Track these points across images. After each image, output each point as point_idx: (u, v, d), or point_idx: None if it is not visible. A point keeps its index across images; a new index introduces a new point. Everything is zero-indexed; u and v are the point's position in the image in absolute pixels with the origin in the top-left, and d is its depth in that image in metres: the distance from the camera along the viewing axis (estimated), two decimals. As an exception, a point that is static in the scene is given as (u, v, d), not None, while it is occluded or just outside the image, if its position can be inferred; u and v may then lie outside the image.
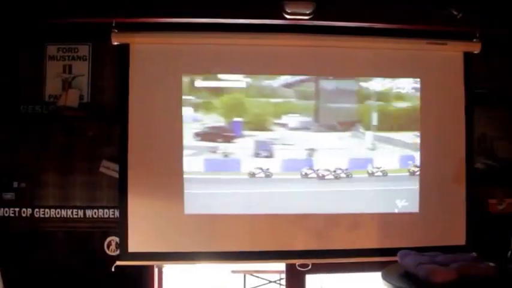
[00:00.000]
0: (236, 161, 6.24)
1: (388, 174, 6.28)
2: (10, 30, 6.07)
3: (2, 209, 6.11)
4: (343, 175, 6.22)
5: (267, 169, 6.18)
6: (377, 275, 4.43)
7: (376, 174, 6.25)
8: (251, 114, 6.29)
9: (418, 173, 6.25)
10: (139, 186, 5.97)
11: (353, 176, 6.24)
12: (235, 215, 6.11)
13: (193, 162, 6.16)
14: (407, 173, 6.29)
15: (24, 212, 6.11)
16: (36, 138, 6.12)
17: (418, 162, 6.26)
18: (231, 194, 6.16)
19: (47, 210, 6.14)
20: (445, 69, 6.31)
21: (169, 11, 5.73)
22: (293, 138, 6.30)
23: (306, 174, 6.20)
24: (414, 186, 6.24)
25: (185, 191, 6.06)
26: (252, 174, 6.15)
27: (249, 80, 6.25)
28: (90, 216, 6.17)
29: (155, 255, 6.03)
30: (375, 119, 6.31)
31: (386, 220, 6.19)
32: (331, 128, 6.32)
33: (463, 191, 6.22)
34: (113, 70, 6.20)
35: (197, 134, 6.17)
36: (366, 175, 6.27)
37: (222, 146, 6.21)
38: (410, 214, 6.21)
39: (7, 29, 6.04)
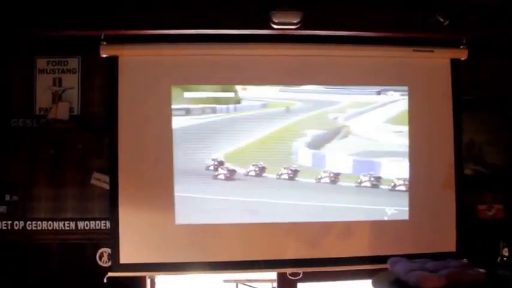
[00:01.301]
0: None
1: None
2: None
3: (-6, 221, 6.13)
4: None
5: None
6: (368, 283, 4.46)
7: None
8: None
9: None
10: (130, 198, 5.97)
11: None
12: (226, 224, 6.11)
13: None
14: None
15: (16, 225, 6.12)
16: (27, 151, 6.13)
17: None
18: (222, 202, 6.18)
19: (39, 222, 6.15)
20: (432, 76, 6.32)
21: (157, 23, 5.77)
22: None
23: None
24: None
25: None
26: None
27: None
28: (82, 228, 6.18)
29: (147, 266, 6.03)
30: None
31: (376, 227, 6.20)
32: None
33: (453, 198, 6.23)
34: (103, 82, 6.22)
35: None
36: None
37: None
38: (400, 221, 6.23)
39: (-3, 42, 6.07)
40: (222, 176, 6.15)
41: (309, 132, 6.28)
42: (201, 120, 6.20)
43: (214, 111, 6.25)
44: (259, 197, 6.17)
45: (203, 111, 6.21)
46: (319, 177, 6.24)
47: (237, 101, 6.26)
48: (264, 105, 6.30)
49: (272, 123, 6.28)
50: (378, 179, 6.27)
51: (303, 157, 6.28)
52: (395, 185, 6.27)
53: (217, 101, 6.26)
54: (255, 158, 6.20)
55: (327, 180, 6.24)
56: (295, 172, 6.21)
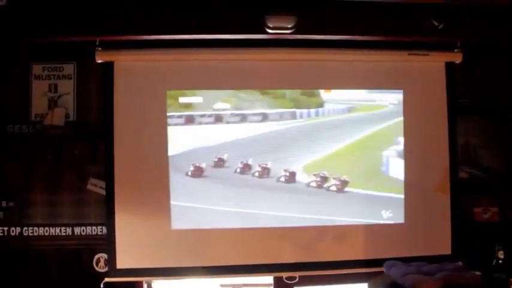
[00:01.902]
0: None
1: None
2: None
3: (-9, 228, 6.12)
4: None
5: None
6: (364, 286, 4.46)
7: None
8: None
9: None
10: (126, 203, 5.97)
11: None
12: (221, 229, 6.11)
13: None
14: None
15: (13, 231, 6.11)
16: (24, 157, 6.12)
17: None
18: (217, 207, 6.17)
19: (35, 228, 6.14)
20: (427, 80, 6.34)
21: (152, 28, 5.76)
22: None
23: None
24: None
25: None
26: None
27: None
28: (79, 233, 6.17)
29: (144, 271, 6.03)
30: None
31: (372, 231, 6.21)
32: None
33: (448, 201, 6.24)
34: (98, 88, 6.22)
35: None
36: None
37: None
38: (396, 224, 6.24)
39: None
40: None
41: (401, 139, 6.30)
42: (279, 127, 6.21)
43: (293, 116, 6.24)
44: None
45: (281, 117, 6.19)
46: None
47: (320, 104, 6.25)
48: (350, 109, 6.30)
49: (360, 129, 6.30)
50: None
51: (395, 168, 6.28)
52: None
53: (298, 104, 6.22)
54: (336, 169, 6.22)
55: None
56: (345, 183, 6.24)
